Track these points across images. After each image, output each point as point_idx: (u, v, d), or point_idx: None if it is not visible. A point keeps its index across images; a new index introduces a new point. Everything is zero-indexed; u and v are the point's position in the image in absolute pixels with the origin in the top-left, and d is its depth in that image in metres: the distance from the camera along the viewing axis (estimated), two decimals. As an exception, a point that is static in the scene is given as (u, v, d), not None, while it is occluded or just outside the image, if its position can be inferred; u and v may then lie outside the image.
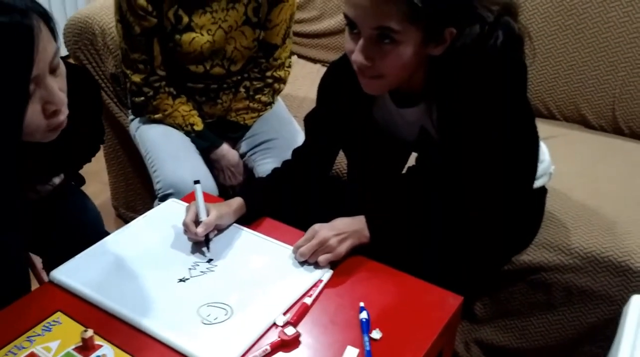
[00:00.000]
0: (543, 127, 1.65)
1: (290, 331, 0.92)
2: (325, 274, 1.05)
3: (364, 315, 0.95)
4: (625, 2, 1.61)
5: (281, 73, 1.60)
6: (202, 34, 1.46)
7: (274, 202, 1.22)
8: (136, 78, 1.50)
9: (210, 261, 1.08)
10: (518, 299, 1.39)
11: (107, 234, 1.18)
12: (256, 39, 1.52)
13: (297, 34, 2.11)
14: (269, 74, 1.59)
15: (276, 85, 1.61)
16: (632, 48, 1.62)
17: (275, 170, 1.28)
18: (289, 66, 1.63)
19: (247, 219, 1.19)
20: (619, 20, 1.62)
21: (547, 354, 1.38)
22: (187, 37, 1.45)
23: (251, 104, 1.60)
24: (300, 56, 2.15)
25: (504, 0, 1.01)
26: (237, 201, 1.18)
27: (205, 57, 1.49)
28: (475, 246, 1.10)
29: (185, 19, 1.44)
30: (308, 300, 0.99)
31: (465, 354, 1.44)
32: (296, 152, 1.30)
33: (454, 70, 1.00)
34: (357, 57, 1.00)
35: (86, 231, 1.25)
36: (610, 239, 1.28)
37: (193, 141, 1.56)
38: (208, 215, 1.11)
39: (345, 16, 0.99)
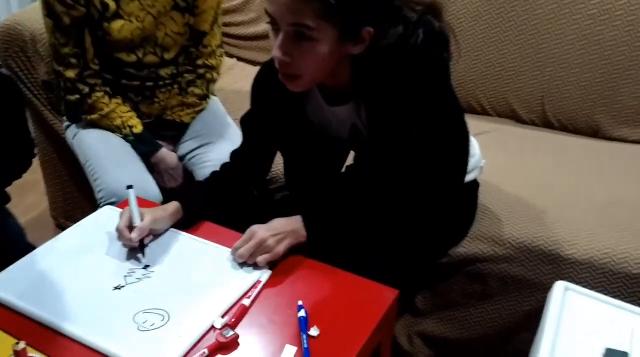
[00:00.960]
0: (476, 123, 1.72)
1: (228, 333, 0.92)
2: (264, 275, 1.06)
3: (302, 313, 0.96)
4: (552, 0, 1.68)
5: (213, 61, 1.61)
6: (131, 21, 1.45)
7: (211, 205, 1.22)
8: (70, 74, 1.47)
9: (146, 267, 1.07)
10: (456, 290, 1.42)
11: (32, 247, 1.15)
12: (186, 24, 1.53)
13: (236, 37, 2.11)
14: (200, 62, 1.60)
15: (209, 75, 1.62)
16: (558, 44, 1.69)
17: (213, 173, 1.28)
18: (221, 56, 1.64)
19: (185, 223, 1.19)
20: (546, 18, 1.69)
21: (486, 342, 1.43)
22: (116, 24, 1.44)
23: (185, 99, 1.60)
24: (240, 59, 2.14)
25: (428, 0, 1.05)
26: (173, 205, 1.18)
27: (137, 44, 1.48)
28: (406, 242, 1.13)
29: (113, 6, 1.43)
30: (246, 301, 1.00)
31: (409, 347, 1.47)
32: (234, 154, 1.30)
33: (377, 69, 1.03)
34: (276, 53, 1.02)
35: (6, 245, 1.22)
36: (540, 229, 1.32)
37: (133, 147, 1.54)
38: (142, 220, 1.10)
39: (266, 12, 1.01)
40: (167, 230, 1.16)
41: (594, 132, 1.70)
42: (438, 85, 1.05)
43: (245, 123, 1.30)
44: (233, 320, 0.96)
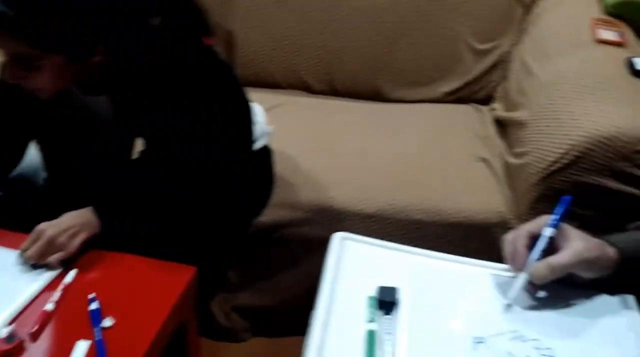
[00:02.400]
0: (269, 96, 1.77)
1: (11, 339, 0.86)
2: (57, 273, 1.00)
3: (93, 306, 0.93)
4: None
5: None
6: None
7: None
8: None
9: None
10: (264, 259, 1.47)
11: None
12: None
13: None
14: None
15: None
16: (338, 15, 1.78)
17: None
18: None
19: None
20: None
21: (299, 305, 1.48)
22: None
23: None
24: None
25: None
26: None
27: None
28: (202, 218, 1.14)
29: None
30: (39, 302, 0.93)
31: (227, 322, 1.49)
32: None
33: (125, 67, 1.04)
34: (6, 77, 0.99)
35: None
36: (334, 190, 1.41)
37: None
38: None
39: None
40: None
41: (377, 96, 1.83)
42: (190, 72, 1.08)
43: None
44: (22, 324, 0.89)
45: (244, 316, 1.50)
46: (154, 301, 0.95)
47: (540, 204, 1.27)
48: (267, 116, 1.65)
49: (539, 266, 0.76)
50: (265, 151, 1.37)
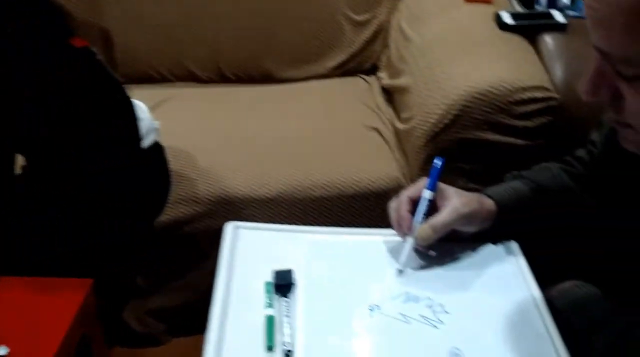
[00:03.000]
0: (158, 92, 1.73)
1: None
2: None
3: (-17, 338, 0.88)
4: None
5: None
6: None
7: None
8: None
9: None
10: (173, 258, 1.44)
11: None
12: None
13: None
14: None
15: None
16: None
17: None
18: None
19: None
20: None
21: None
22: None
23: None
24: None
25: None
26: None
27: None
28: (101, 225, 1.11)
29: None
30: None
31: (142, 328, 1.46)
32: None
33: None
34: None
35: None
36: (229, 179, 1.39)
37: None
38: None
39: None
40: None
41: (266, 78, 1.82)
42: (58, 76, 1.04)
43: None
44: None
45: (160, 319, 1.47)
46: (50, 320, 0.92)
47: (429, 165, 1.31)
48: (157, 112, 1.62)
49: (422, 228, 0.79)
50: (156, 148, 1.33)
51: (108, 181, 1.13)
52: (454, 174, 1.29)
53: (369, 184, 1.40)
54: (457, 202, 0.79)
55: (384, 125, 1.55)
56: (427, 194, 0.81)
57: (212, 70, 1.82)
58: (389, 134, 1.52)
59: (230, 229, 0.89)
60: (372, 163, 1.44)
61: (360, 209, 1.40)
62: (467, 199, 0.80)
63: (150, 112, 1.39)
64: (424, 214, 0.81)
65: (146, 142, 1.27)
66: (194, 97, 1.74)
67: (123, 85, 1.21)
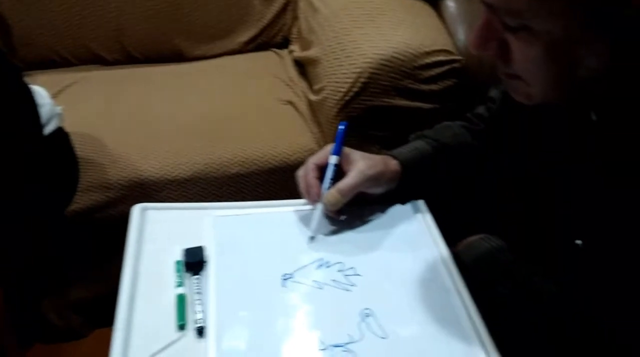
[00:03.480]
0: (61, 77, 1.65)
1: None
2: None
3: None
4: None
5: None
6: None
7: None
8: None
9: None
10: (91, 247, 1.39)
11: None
12: None
13: None
14: None
15: None
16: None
17: None
18: None
19: None
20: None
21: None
22: None
23: None
24: None
25: None
26: None
27: None
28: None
29: None
30: None
31: (62, 322, 1.41)
32: None
33: None
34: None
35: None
36: (141, 162, 1.35)
37: None
38: None
39: None
40: None
41: (177, 56, 1.77)
42: None
43: None
44: None
45: (80, 311, 1.42)
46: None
47: (344, 134, 1.33)
48: (62, 97, 1.55)
49: (330, 193, 0.80)
50: (60, 134, 1.28)
51: (10, 171, 1.08)
52: (366, 142, 1.31)
53: (286, 158, 1.39)
54: (362, 165, 0.80)
55: (298, 98, 1.54)
56: (332, 159, 0.82)
57: (118, 51, 1.75)
58: (303, 107, 1.51)
59: (137, 211, 0.86)
60: (288, 136, 1.44)
61: (279, 183, 1.39)
62: (372, 162, 0.81)
63: (54, 98, 1.34)
64: (331, 179, 0.81)
65: (48, 129, 1.22)
66: (101, 80, 1.67)
67: (22, 71, 1.14)
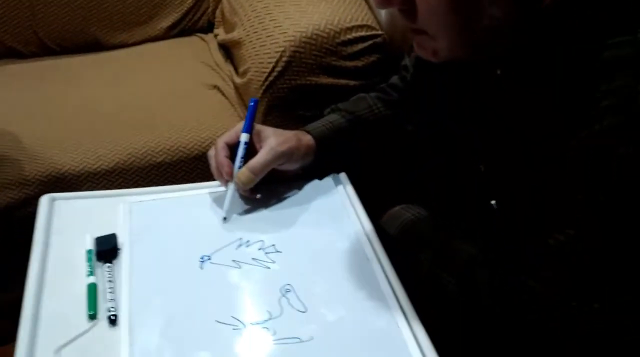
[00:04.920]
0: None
1: None
2: None
3: None
4: None
5: None
6: None
7: None
8: None
9: None
10: (13, 248, 1.32)
11: None
12: None
13: None
14: None
15: None
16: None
17: None
18: None
19: None
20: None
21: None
22: None
23: None
24: None
25: None
26: None
27: None
28: None
29: None
30: None
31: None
32: None
33: None
34: None
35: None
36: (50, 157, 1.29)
37: None
38: None
39: None
40: None
41: (95, 45, 1.70)
42: None
43: None
44: None
45: (5, 316, 1.35)
46: None
47: (270, 116, 1.30)
48: (-27, 94, 1.47)
49: (241, 172, 0.78)
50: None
51: None
52: (295, 122, 1.28)
53: (213, 143, 1.35)
54: (273, 141, 0.78)
55: (224, 82, 1.51)
56: (243, 137, 0.80)
57: (32, 43, 1.67)
58: (229, 91, 1.48)
59: (46, 201, 0.82)
60: (215, 121, 1.40)
61: (206, 170, 1.34)
62: (284, 138, 0.79)
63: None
64: (242, 158, 0.79)
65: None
66: (16, 73, 1.59)
67: None
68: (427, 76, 0.75)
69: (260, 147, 0.79)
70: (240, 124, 0.81)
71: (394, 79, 0.89)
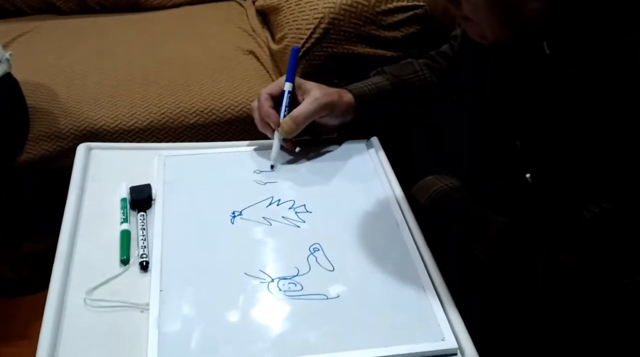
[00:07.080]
0: (14, 26, 1.59)
1: None
2: None
3: None
4: None
5: None
6: None
7: None
8: None
9: None
10: (45, 199, 1.35)
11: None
12: None
13: None
14: None
15: None
16: None
17: None
18: None
19: None
20: None
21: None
22: None
23: None
24: None
25: None
26: None
27: None
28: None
29: None
30: None
31: (17, 277, 1.37)
32: None
33: None
34: None
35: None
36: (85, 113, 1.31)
37: None
38: None
39: None
40: None
41: (135, 6, 1.71)
42: None
43: None
44: None
45: (34, 265, 1.39)
46: None
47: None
48: (13, 47, 1.49)
49: (284, 121, 0.79)
50: (8, 80, 1.23)
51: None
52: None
53: (246, 108, 1.35)
54: (317, 92, 0.79)
55: (260, 47, 1.50)
56: (287, 86, 0.81)
57: (73, 0, 1.68)
58: (265, 57, 1.47)
59: (82, 149, 0.83)
60: (249, 86, 1.40)
61: (239, 133, 1.36)
62: (326, 91, 0.80)
63: (5, 47, 1.28)
64: (287, 107, 0.80)
65: (-5, 72, 1.17)
66: (55, 29, 1.61)
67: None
68: (473, 48, 0.74)
69: (303, 99, 0.79)
70: (283, 78, 0.81)
71: (444, 47, 0.88)
